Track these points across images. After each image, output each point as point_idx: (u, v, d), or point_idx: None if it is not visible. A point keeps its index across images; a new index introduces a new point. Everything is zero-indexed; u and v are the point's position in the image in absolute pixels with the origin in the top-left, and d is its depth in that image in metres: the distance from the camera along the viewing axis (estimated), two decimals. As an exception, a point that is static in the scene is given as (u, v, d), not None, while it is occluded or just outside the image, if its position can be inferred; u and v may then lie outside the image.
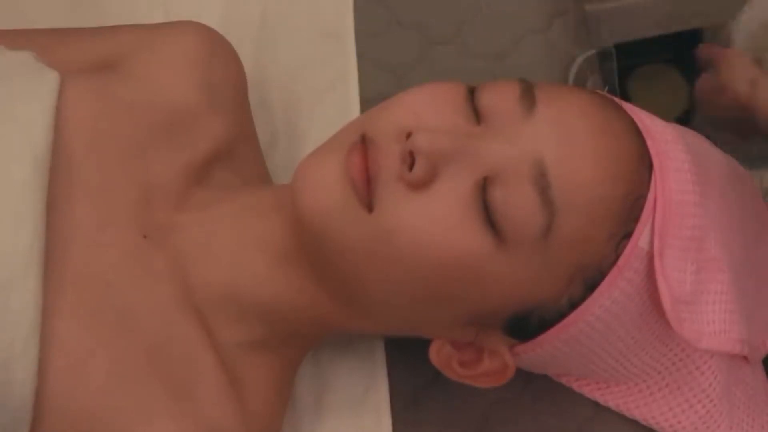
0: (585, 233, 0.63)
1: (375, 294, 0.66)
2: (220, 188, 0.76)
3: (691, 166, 0.67)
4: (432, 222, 0.62)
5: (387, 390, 0.81)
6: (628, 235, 0.64)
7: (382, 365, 0.82)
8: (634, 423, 0.77)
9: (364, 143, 0.64)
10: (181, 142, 0.75)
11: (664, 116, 0.73)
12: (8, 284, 0.62)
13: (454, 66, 0.95)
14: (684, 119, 0.97)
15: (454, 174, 0.63)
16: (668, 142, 0.68)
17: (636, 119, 0.68)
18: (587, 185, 0.63)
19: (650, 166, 0.66)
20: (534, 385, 0.79)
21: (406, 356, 0.81)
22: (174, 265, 0.70)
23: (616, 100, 0.71)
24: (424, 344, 0.71)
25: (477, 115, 0.65)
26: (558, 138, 0.63)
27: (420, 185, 0.62)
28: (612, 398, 0.77)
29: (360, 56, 0.95)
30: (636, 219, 0.65)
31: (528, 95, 0.65)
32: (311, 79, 0.94)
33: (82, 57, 0.80)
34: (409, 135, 0.63)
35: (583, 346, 0.68)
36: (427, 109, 0.65)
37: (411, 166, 0.62)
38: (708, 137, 0.79)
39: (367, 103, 0.92)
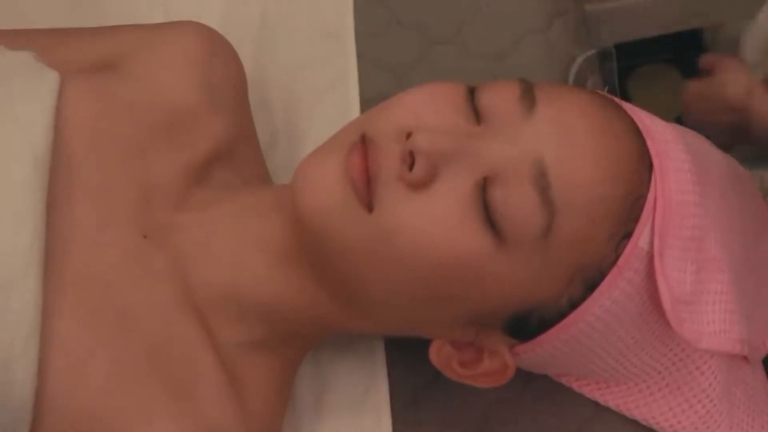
0: (585, 233, 0.63)
1: (375, 294, 0.66)
2: (220, 188, 0.76)
3: (691, 166, 0.67)
4: (432, 222, 0.62)
5: (387, 390, 0.81)
6: (628, 235, 0.64)
7: (382, 365, 0.82)
8: (634, 423, 0.77)
9: (364, 143, 0.64)
10: (181, 142, 0.75)
11: (664, 116, 0.73)
12: (8, 284, 0.62)
13: (454, 66, 0.95)
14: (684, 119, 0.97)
15: (454, 174, 0.63)
16: (668, 142, 0.68)
17: (636, 119, 0.68)
18: (587, 185, 0.63)
19: (650, 166, 0.66)
20: (534, 385, 0.79)
21: (406, 356, 0.81)
22: (174, 265, 0.70)
23: (616, 100, 0.71)
24: (424, 344, 0.71)
25: (477, 115, 0.65)
26: (558, 138, 0.63)
27: (420, 185, 0.62)
28: (612, 398, 0.77)
29: (360, 56, 0.95)
30: (636, 219, 0.65)
31: (528, 95, 0.65)
32: (311, 79, 0.94)
33: (82, 57, 0.80)
34: (409, 135, 0.63)
35: (583, 346, 0.68)
36: (427, 109, 0.65)
37: (411, 166, 0.62)
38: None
39: (367, 103, 0.92)
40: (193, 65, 0.78)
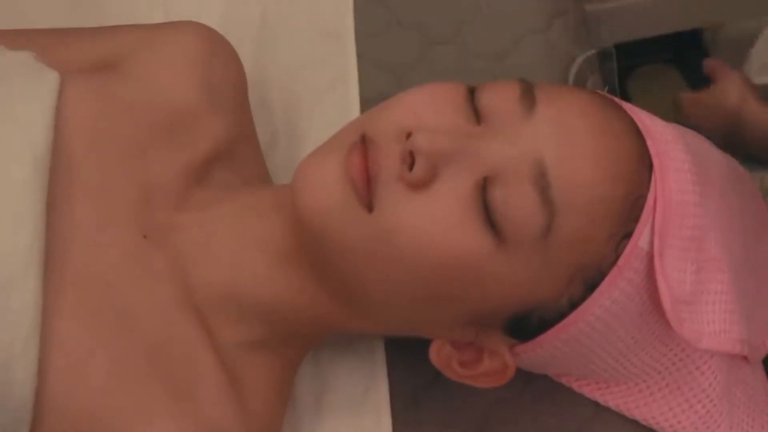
0: (585, 233, 0.63)
1: (375, 294, 0.66)
2: (220, 188, 0.76)
3: (691, 166, 0.67)
4: (432, 222, 0.62)
5: (387, 390, 0.81)
6: (628, 235, 0.64)
7: (382, 365, 0.82)
8: (634, 423, 0.77)
9: (364, 143, 0.64)
10: (181, 142, 0.75)
11: (664, 116, 0.73)
12: (8, 284, 0.62)
13: (454, 66, 0.95)
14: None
15: (454, 174, 0.63)
16: (668, 142, 0.68)
17: (636, 119, 0.68)
18: (587, 185, 0.63)
19: (650, 166, 0.66)
20: (534, 385, 0.79)
21: (406, 356, 0.81)
22: (174, 265, 0.70)
23: (616, 100, 0.71)
24: (424, 344, 0.71)
25: (477, 115, 0.65)
26: (558, 138, 0.63)
27: (420, 185, 0.62)
28: (612, 398, 0.77)
29: (360, 56, 0.95)
30: (636, 219, 0.65)
31: (528, 95, 0.65)
32: (311, 79, 0.94)
33: (82, 57, 0.80)
34: (409, 135, 0.63)
35: (583, 346, 0.68)
36: (427, 109, 0.65)
37: (411, 166, 0.62)
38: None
39: (367, 103, 0.92)
40: (193, 65, 0.78)
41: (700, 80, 1.06)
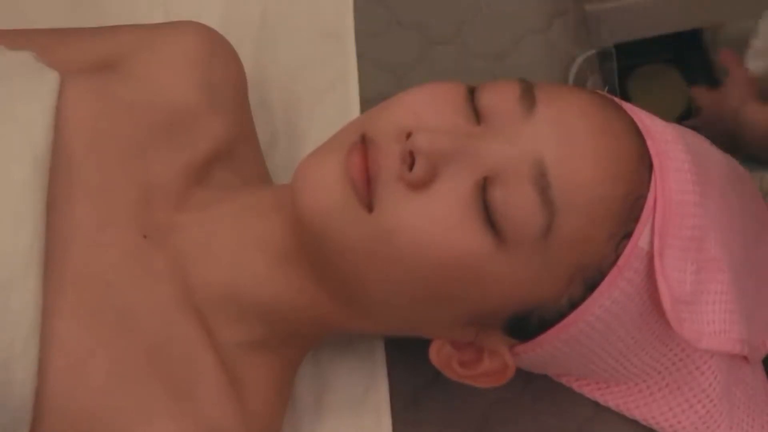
0: (585, 233, 0.63)
1: (375, 294, 0.66)
2: (220, 188, 0.76)
3: (691, 166, 0.67)
4: (432, 222, 0.62)
5: (387, 390, 0.81)
6: (628, 235, 0.64)
7: (382, 365, 0.82)
8: (634, 423, 0.77)
9: (364, 143, 0.64)
10: (181, 142, 0.75)
11: (664, 116, 0.73)
12: (8, 284, 0.62)
13: (454, 66, 0.95)
14: (684, 119, 0.98)
15: (454, 174, 0.63)
16: (668, 142, 0.68)
17: (636, 119, 0.68)
18: (587, 185, 0.63)
19: (650, 166, 0.66)
20: (534, 385, 0.79)
21: (406, 356, 0.81)
22: (174, 265, 0.70)
23: (616, 100, 0.71)
24: (424, 344, 0.71)
25: (477, 115, 0.65)
26: (558, 138, 0.63)
27: (420, 185, 0.62)
28: (612, 398, 0.77)
29: (360, 56, 0.95)
30: (636, 219, 0.65)
31: (528, 95, 0.65)
32: (311, 79, 0.94)
33: (82, 57, 0.80)
34: (409, 135, 0.63)
35: (583, 346, 0.68)
36: (427, 109, 0.65)
37: (411, 166, 0.62)
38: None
39: (367, 103, 0.92)
40: (193, 65, 0.78)
41: (700, 80, 1.07)
